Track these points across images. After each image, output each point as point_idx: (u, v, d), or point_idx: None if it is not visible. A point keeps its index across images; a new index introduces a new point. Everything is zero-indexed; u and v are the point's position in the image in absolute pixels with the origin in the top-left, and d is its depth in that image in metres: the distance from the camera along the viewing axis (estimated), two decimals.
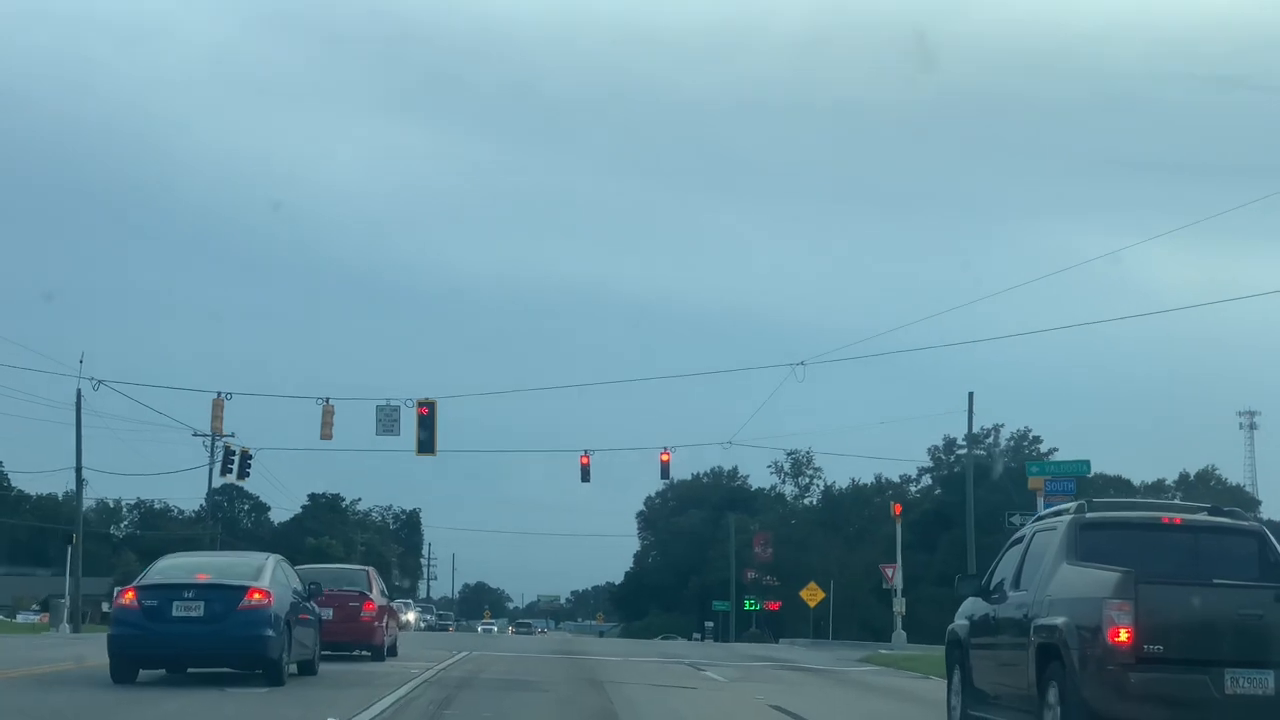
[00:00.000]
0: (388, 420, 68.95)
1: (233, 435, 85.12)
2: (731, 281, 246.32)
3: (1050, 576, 17.23)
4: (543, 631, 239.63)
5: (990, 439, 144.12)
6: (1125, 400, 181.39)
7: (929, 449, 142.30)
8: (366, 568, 38.60)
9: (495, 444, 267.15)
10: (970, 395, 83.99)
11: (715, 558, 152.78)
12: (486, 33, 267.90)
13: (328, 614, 34.79)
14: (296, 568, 39.18)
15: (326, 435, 69.04)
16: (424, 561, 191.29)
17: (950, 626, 20.99)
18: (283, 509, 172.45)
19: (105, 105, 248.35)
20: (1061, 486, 50.87)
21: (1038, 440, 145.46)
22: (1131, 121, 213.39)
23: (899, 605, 66.34)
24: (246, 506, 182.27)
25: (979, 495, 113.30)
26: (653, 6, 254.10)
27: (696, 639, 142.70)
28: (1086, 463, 50.51)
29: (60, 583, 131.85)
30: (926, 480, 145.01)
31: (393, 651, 38.14)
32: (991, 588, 19.49)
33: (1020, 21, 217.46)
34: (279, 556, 28.98)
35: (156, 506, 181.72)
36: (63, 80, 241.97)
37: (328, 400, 69.23)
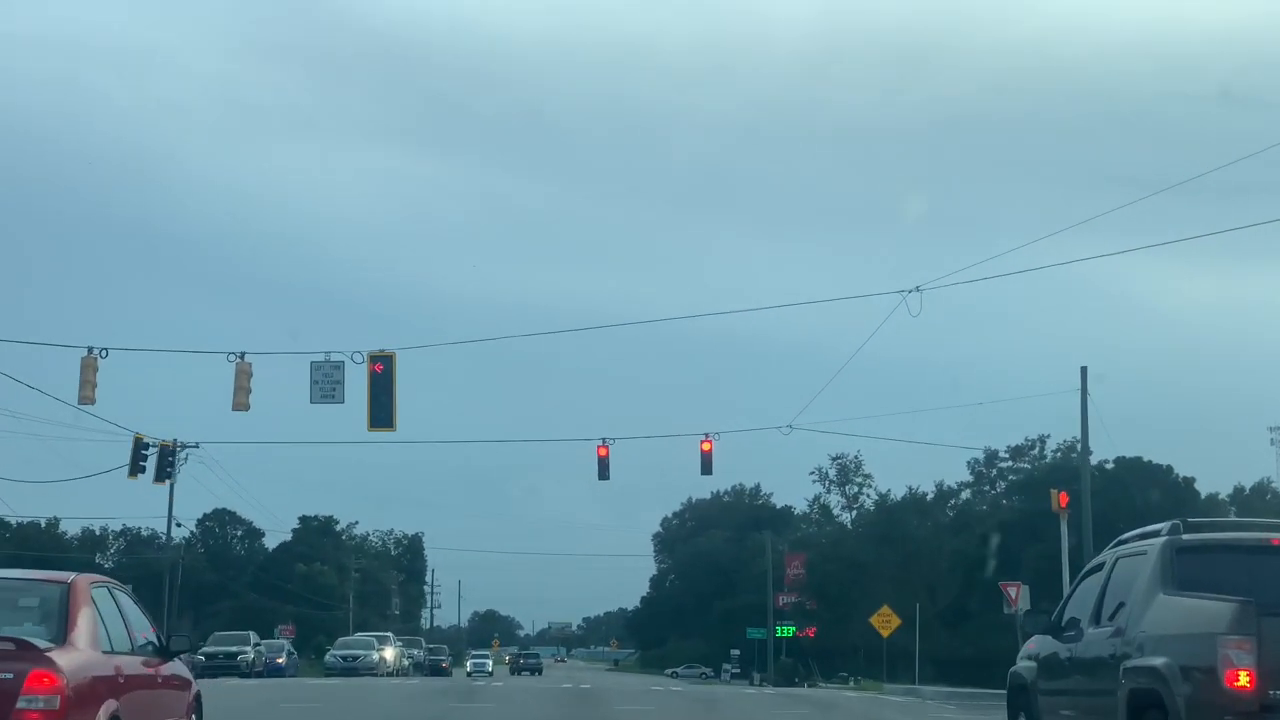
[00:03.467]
0: (327, 382, 45.34)
1: (153, 443, 61.16)
2: (735, 302, 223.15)
3: (1143, 609, 14.23)
4: (561, 660, 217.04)
5: (1035, 450, 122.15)
6: (1158, 413, 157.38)
7: (969, 462, 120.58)
8: (67, 578, 14.03)
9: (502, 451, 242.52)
10: (1083, 370, 59.83)
11: (741, 580, 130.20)
12: (488, 58, 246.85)
13: None
14: None
15: (241, 404, 45.18)
16: (427, 589, 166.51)
17: (1013, 669, 17.91)
18: (278, 534, 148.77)
19: (105, 134, 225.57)
20: None
21: (1089, 451, 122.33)
22: (1137, 140, 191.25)
23: None
24: (239, 532, 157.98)
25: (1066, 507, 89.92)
26: (654, 30, 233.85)
27: (728, 671, 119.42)
28: None
29: None
30: (966, 495, 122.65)
31: None
32: (1064, 624, 16.45)
33: (1024, 40, 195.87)
34: None
35: (144, 534, 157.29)
36: (62, 109, 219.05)
37: (242, 356, 45.26)
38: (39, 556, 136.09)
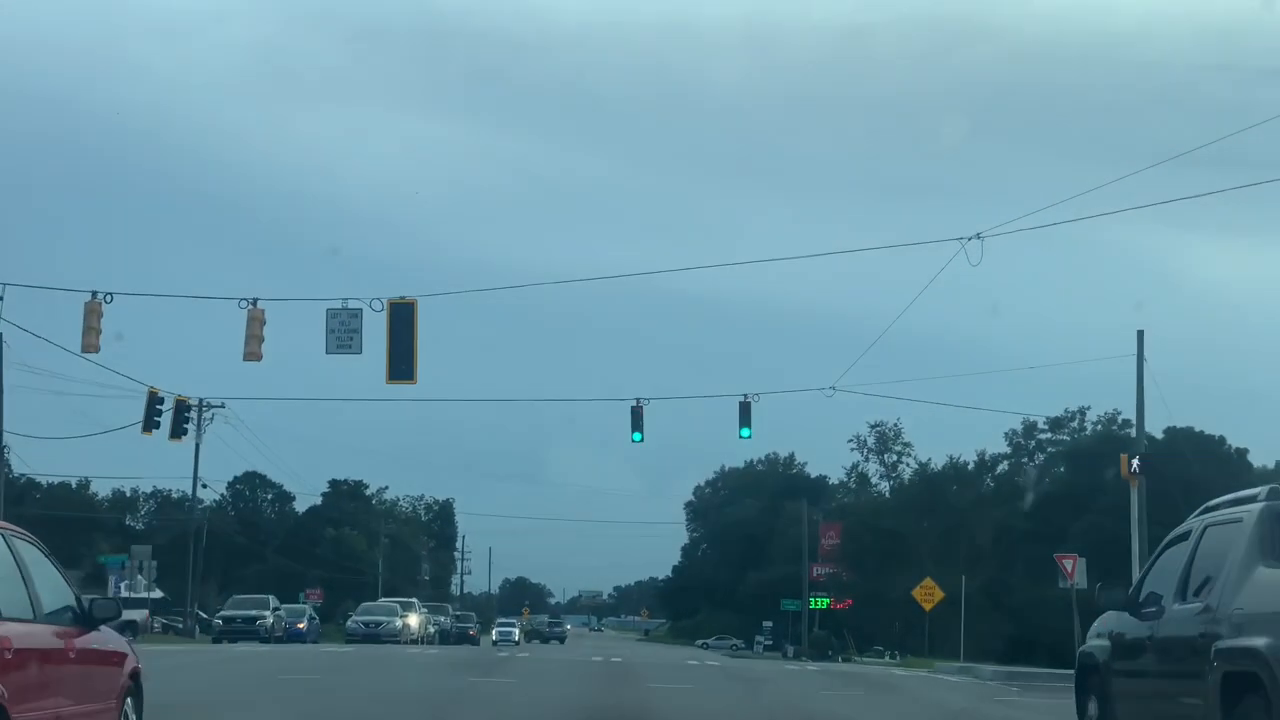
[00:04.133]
0: (343, 331, 42.07)
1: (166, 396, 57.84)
2: (774, 271, 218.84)
3: (1238, 584, 12.53)
4: (598, 630, 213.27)
5: (1075, 422, 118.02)
6: (1207, 383, 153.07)
7: (1006, 433, 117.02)
8: None
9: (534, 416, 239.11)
10: (1139, 334, 55.85)
11: (774, 551, 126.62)
12: (527, 27, 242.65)
13: None
14: None
15: (253, 353, 41.98)
16: (457, 555, 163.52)
17: (1082, 648, 16.53)
18: (308, 497, 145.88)
19: (145, 102, 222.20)
20: None
21: (1128, 424, 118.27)
22: (1177, 115, 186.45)
23: None
24: (269, 496, 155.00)
25: (1114, 478, 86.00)
26: (693, 2, 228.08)
27: (760, 643, 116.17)
28: None
29: None
30: (1004, 467, 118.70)
31: None
32: (1142, 599, 14.89)
33: (1063, 14, 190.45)
34: None
35: (175, 496, 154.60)
36: (104, 78, 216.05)
37: (254, 303, 41.98)
38: (70, 517, 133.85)
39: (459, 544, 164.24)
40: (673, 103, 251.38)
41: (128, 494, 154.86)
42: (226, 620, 63.34)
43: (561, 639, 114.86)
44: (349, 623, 67.94)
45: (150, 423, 55.92)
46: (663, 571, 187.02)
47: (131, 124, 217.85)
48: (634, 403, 51.31)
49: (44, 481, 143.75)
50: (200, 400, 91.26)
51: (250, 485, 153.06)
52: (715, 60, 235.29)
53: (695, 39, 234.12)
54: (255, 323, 41.88)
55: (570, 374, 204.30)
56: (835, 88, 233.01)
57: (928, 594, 67.85)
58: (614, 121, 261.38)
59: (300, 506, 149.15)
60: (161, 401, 56.48)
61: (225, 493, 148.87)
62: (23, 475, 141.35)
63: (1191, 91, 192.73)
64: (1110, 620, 15.75)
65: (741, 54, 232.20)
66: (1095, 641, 16.14)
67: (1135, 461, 46.24)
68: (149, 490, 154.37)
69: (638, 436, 50.59)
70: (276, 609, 65.41)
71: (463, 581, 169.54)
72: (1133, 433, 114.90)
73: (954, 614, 73.45)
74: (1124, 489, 76.07)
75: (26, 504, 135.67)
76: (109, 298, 42.55)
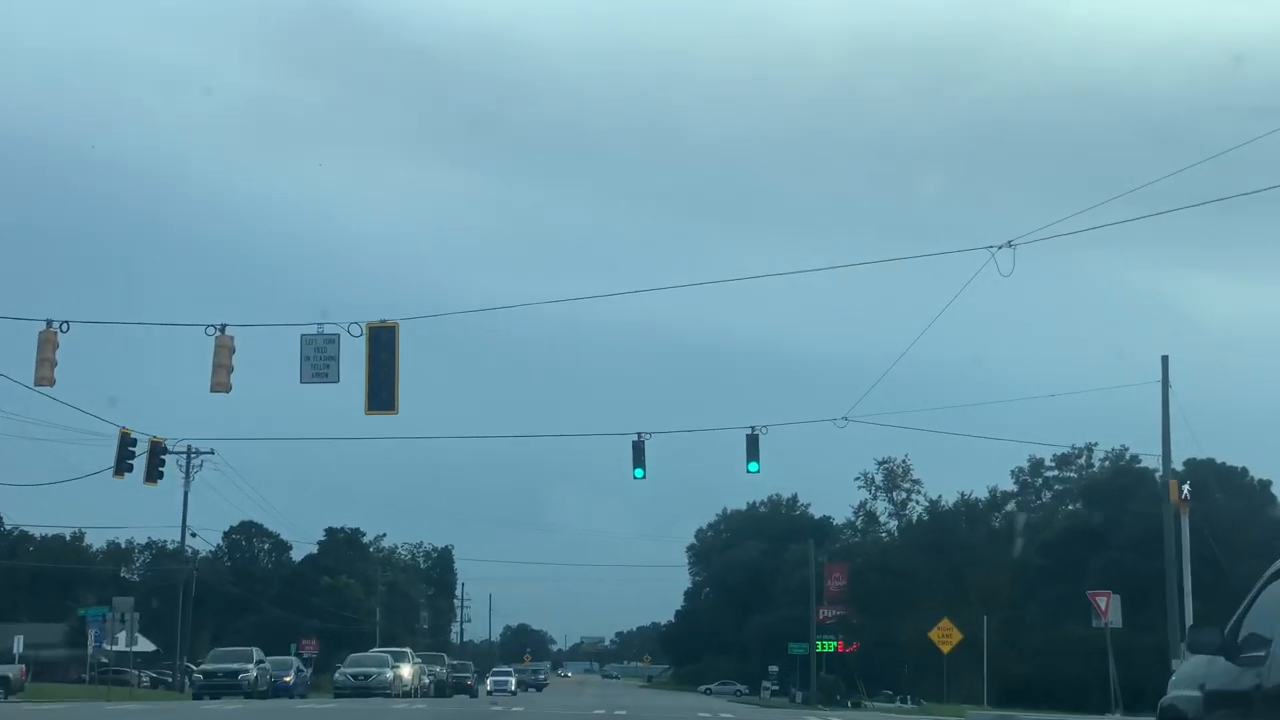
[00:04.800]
0: (320, 358, 38.41)
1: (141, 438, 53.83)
2: (767, 318, 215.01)
3: None
4: (614, 678, 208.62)
5: (1083, 458, 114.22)
6: (1227, 415, 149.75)
7: (1013, 471, 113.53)
8: None
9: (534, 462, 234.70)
10: (1164, 360, 52.00)
11: (779, 594, 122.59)
12: (523, 72, 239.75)
13: None
14: None
15: (220, 384, 38.28)
16: (457, 603, 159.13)
17: (1165, 700, 14.21)
18: (305, 546, 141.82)
19: (142, 150, 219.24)
20: None
21: (1136, 459, 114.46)
22: (1172, 153, 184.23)
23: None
24: (266, 545, 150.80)
25: (1132, 513, 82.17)
26: (688, 45, 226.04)
27: (767, 688, 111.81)
28: None
29: (44, 630, 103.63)
30: (1011, 506, 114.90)
31: None
32: (1241, 642, 12.72)
33: (1056, 54, 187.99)
34: None
35: (170, 547, 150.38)
36: (100, 127, 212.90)
37: (223, 329, 38.25)
38: (62, 570, 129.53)
39: (458, 591, 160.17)
40: (666, 146, 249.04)
41: (122, 545, 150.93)
42: (207, 675, 58.97)
43: (539, 687, 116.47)
44: (337, 675, 63.66)
45: (123, 465, 52.01)
46: (665, 616, 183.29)
47: (126, 165, 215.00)
48: (635, 437, 48.18)
49: (37, 534, 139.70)
50: (189, 447, 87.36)
51: (246, 535, 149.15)
52: (711, 103, 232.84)
53: (690, 83, 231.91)
54: (224, 351, 38.29)
55: (570, 415, 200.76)
56: (831, 128, 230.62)
57: (945, 635, 63.66)
58: (606, 165, 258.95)
59: (297, 555, 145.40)
60: (134, 443, 52.63)
61: (221, 543, 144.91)
62: (15, 528, 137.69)
63: (1182, 128, 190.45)
64: (1200, 667, 13.60)
65: (737, 96, 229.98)
66: (1182, 692, 14.11)
67: (1186, 487, 42.06)
68: (144, 541, 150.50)
69: (640, 473, 47.39)
70: (261, 661, 61.10)
71: (462, 630, 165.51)
72: (1147, 465, 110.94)
73: (968, 656, 69.39)
74: (1145, 524, 72.29)
75: (20, 556, 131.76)
76: (65, 327, 38.97)
